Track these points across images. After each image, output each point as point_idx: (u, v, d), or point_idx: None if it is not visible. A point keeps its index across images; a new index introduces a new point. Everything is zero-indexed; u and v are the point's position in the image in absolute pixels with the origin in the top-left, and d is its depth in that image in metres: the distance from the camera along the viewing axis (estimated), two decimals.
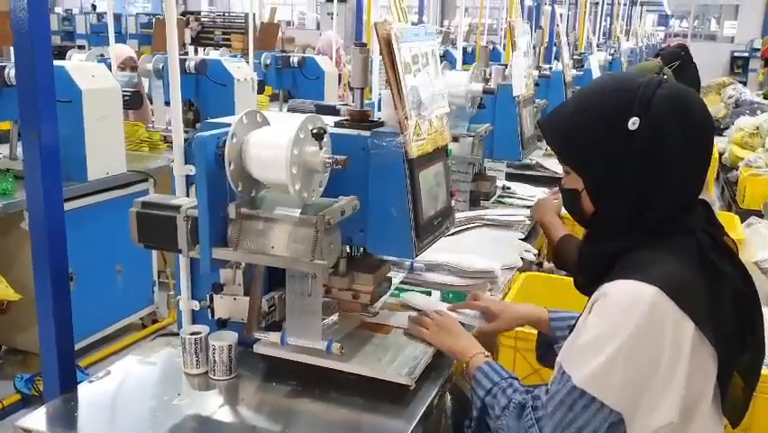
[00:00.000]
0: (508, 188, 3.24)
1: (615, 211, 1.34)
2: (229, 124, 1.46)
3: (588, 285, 1.41)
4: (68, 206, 1.67)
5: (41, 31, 1.57)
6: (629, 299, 1.23)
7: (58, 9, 16.42)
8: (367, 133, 1.56)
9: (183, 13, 14.65)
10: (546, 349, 1.76)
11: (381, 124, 1.60)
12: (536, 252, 2.62)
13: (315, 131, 1.40)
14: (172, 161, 1.64)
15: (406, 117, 1.51)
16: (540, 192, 3.28)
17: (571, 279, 1.52)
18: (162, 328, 3.81)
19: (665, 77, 5.29)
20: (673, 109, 1.28)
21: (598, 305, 1.27)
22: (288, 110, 2.04)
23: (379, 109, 1.81)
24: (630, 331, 1.20)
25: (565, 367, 1.28)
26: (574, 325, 1.47)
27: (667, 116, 1.27)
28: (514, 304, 1.93)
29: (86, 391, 1.56)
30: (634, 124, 1.28)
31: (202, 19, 14.54)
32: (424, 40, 1.62)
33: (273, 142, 1.42)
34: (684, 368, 1.20)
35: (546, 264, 3.06)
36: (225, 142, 1.42)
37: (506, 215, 2.77)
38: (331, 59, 6.21)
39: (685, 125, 1.28)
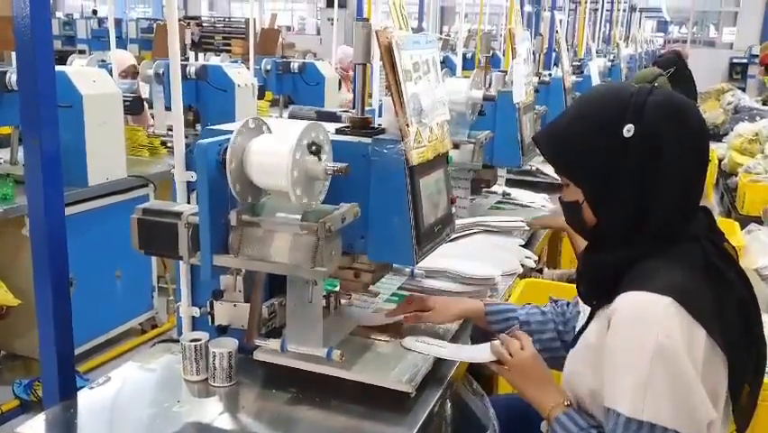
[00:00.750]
0: (508, 195, 3.24)
1: (615, 220, 1.35)
2: (230, 131, 1.46)
3: (591, 295, 1.41)
4: (68, 211, 1.67)
5: (43, 37, 1.57)
6: (643, 313, 1.23)
7: (59, 13, 16.44)
8: (368, 140, 1.56)
9: (183, 18, 14.67)
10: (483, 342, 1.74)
11: (382, 131, 1.61)
12: (536, 258, 2.62)
13: (312, 148, 1.40)
14: (173, 167, 1.65)
15: (407, 124, 1.52)
16: (540, 198, 3.29)
17: (572, 285, 1.52)
18: (162, 334, 3.81)
19: (658, 84, 5.27)
20: (666, 115, 1.29)
21: (615, 322, 1.27)
22: (289, 117, 2.05)
23: (380, 115, 1.82)
24: (653, 348, 1.20)
25: (608, 404, 1.26)
26: (578, 334, 1.47)
27: (660, 122, 1.28)
28: (450, 299, 1.90)
29: (86, 398, 1.56)
30: (629, 131, 1.29)
31: (203, 24, 14.55)
32: (424, 47, 1.63)
33: (274, 149, 1.42)
34: (699, 374, 1.21)
35: (546, 271, 3.06)
36: (227, 149, 1.42)
37: (505, 221, 2.77)
38: (347, 72, 6.22)
39: (679, 130, 1.29)
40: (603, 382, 1.31)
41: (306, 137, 1.42)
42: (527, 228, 2.74)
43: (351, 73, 6.25)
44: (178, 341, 1.67)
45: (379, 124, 1.64)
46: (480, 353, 1.63)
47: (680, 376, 1.20)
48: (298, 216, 1.44)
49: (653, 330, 1.20)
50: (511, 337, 1.57)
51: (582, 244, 2.29)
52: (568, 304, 1.80)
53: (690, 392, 1.20)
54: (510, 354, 1.54)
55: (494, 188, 3.25)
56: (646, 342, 1.20)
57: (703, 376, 1.21)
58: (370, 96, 3.04)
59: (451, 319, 1.82)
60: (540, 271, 2.96)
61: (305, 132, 1.42)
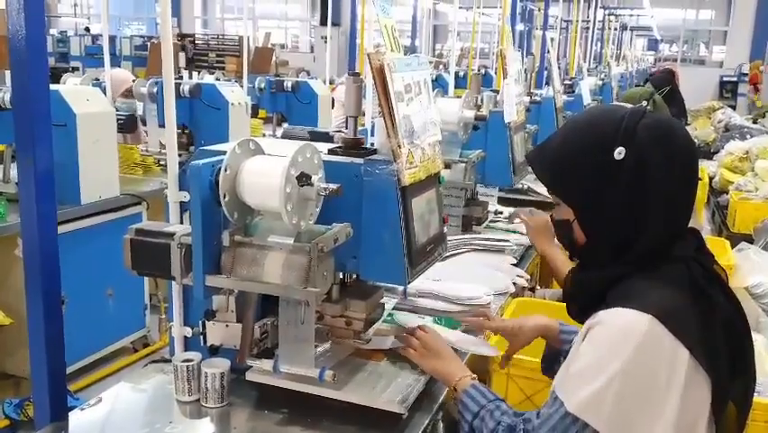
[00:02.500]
0: (500, 213, 3.26)
1: (604, 239, 1.36)
2: (224, 152, 1.47)
3: (580, 313, 1.42)
4: (60, 229, 1.67)
5: (38, 56, 1.58)
6: (624, 327, 1.23)
7: (53, 30, 16.49)
8: (360, 161, 1.57)
9: (177, 36, 14.72)
10: (551, 362, 1.77)
11: (374, 151, 1.62)
12: (528, 277, 2.63)
13: (302, 181, 1.41)
14: (165, 186, 1.65)
15: (399, 146, 1.53)
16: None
17: (564, 304, 1.53)
18: (153, 353, 3.79)
19: (654, 102, 5.31)
20: (657, 138, 1.31)
21: (592, 332, 1.28)
22: (283, 136, 2.06)
23: (373, 135, 1.83)
24: (625, 359, 1.21)
25: (558, 393, 1.28)
26: (568, 351, 1.48)
27: (651, 146, 1.30)
28: (523, 318, 1.90)
29: (78, 419, 1.55)
30: (620, 153, 1.30)
31: (196, 42, 14.60)
32: (416, 69, 1.65)
33: (267, 170, 1.43)
34: (678, 396, 1.21)
35: (539, 289, 3.07)
36: (220, 170, 1.43)
37: (497, 239, 2.79)
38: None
39: (669, 154, 1.30)
40: (562, 367, 1.33)
41: (300, 157, 1.43)
42: (516, 248, 2.75)
43: None
44: (170, 361, 1.67)
45: (372, 144, 1.65)
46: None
47: (639, 394, 1.20)
48: (291, 237, 1.44)
49: (629, 345, 1.21)
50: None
51: (562, 263, 2.30)
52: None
53: (643, 412, 1.21)
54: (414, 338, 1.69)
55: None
56: (619, 353, 1.21)
57: (684, 395, 1.21)
58: (363, 114, 3.06)
59: (533, 340, 1.84)
60: (533, 289, 2.97)
61: (298, 152, 1.43)
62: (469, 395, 1.50)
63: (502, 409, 1.44)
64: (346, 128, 1.67)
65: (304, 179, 1.42)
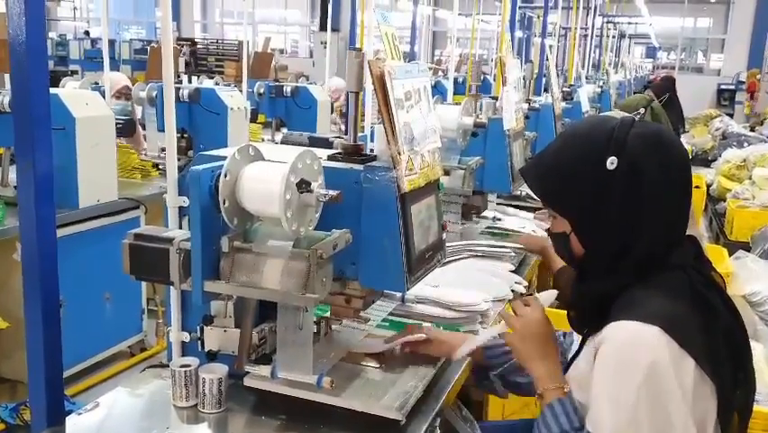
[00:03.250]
0: (499, 219, 3.26)
1: (601, 250, 1.37)
2: (224, 157, 1.47)
3: (581, 324, 1.43)
4: (58, 233, 1.67)
5: (38, 61, 1.58)
6: (631, 342, 1.24)
7: (52, 34, 16.49)
8: (360, 168, 1.58)
9: (177, 40, 14.75)
10: (484, 375, 1.80)
11: (374, 158, 1.62)
12: (527, 284, 2.63)
13: (302, 187, 1.41)
14: (164, 190, 1.65)
15: (399, 153, 1.53)
16: (530, 223, 3.31)
17: (562, 312, 1.53)
18: (150, 357, 3.78)
19: (652, 109, 5.31)
20: (648, 146, 1.32)
21: (601, 353, 1.28)
22: (282, 142, 2.07)
23: (372, 141, 1.83)
24: (640, 379, 1.21)
25: (590, 428, 1.28)
26: (570, 362, 1.48)
27: (643, 154, 1.31)
28: (449, 333, 1.88)
29: (75, 424, 1.55)
30: (612, 163, 1.31)
31: (196, 46, 14.62)
32: (416, 76, 1.65)
33: (267, 176, 1.43)
34: (690, 405, 1.21)
35: (537, 295, 3.06)
36: (220, 175, 1.43)
37: (496, 246, 2.79)
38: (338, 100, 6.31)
39: (661, 162, 1.31)
40: (589, 401, 1.31)
41: (299, 163, 1.44)
42: (515, 254, 2.76)
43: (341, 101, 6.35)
44: (167, 366, 1.66)
45: (371, 150, 1.65)
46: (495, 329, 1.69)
47: (664, 407, 1.21)
48: (290, 243, 1.44)
49: (641, 360, 1.21)
50: (521, 301, 1.55)
51: (559, 264, 2.31)
52: (564, 335, 1.81)
53: (671, 426, 1.21)
54: (516, 315, 1.51)
55: (484, 213, 3.27)
56: (634, 372, 1.21)
57: (692, 405, 1.21)
58: (363, 117, 3.07)
59: (448, 353, 1.81)
60: (530, 296, 2.97)
61: (297, 159, 1.43)
62: (553, 412, 1.38)
63: None
64: (345, 134, 1.67)
65: (304, 186, 1.42)
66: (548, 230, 1.50)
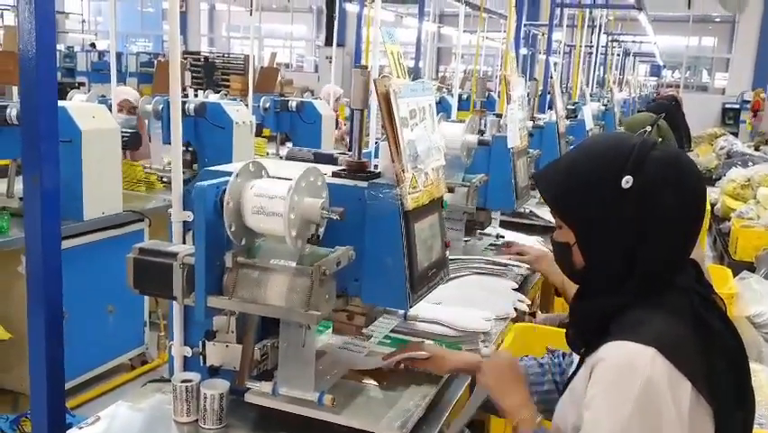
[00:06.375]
0: (502, 237, 3.26)
1: (603, 266, 1.36)
2: (229, 173, 1.48)
3: (579, 343, 1.42)
4: (63, 244, 1.68)
5: (47, 77, 1.60)
6: (628, 363, 1.23)
7: (60, 46, 16.63)
8: (364, 184, 1.58)
9: (183, 53, 14.87)
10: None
11: (378, 174, 1.63)
12: (530, 302, 2.63)
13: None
14: (168, 203, 1.65)
15: (403, 170, 1.54)
16: (533, 241, 3.31)
17: (562, 330, 1.53)
18: (151, 370, 3.78)
19: (659, 127, 5.29)
20: (666, 171, 1.31)
21: (597, 371, 1.27)
22: (287, 158, 2.07)
23: (377, 157, 1.84)
24: (634, 400, 1.20)
25: None
26: (568, 381, 1.47)
27: (659, 177, 1.30)
28: (448, 351, 1.88)
29: None
30: (627, 182, 1.31)
31: (201, 59, 14.73)
32: (421, 95, 1.66)
33: (271, 193, 1.44)
34: (686, 427, 1.21)
35: (540, 314, 3.06)
36: (225, 191, 1.44)
37: (499, 263, 2.79)
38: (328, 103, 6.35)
39: (677, 187, 1.31)
40: (582, 418, 1.30)
41: (303, 181, 1.44)
42: (518, 272, 2.75)
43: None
44: (169, 381, 1.66)
45: (376, 166, 1.66)
46: None
47: (657, 427, 1.20)
48: (293, 259, 1.45)
49: (637, 381, 1.21)
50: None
51: (569, 287, 2.30)
52: (564, 355, 1.80)
53: None
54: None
55: (488, 230, 3.27)
56: (629, 392, 1.21)
57: (688, 427, 1.21)
58: (368, 134, 3.08)
59: (447, 371, 1.80)
60: (533, 314, 2.96)
61: (302, 176, 1.44)
62: None
63: None
64: (350, 150, 1.68)
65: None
66: (551, 238, 1.49)
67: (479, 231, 3.16)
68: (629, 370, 1.22)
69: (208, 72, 13.52)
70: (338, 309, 1.65)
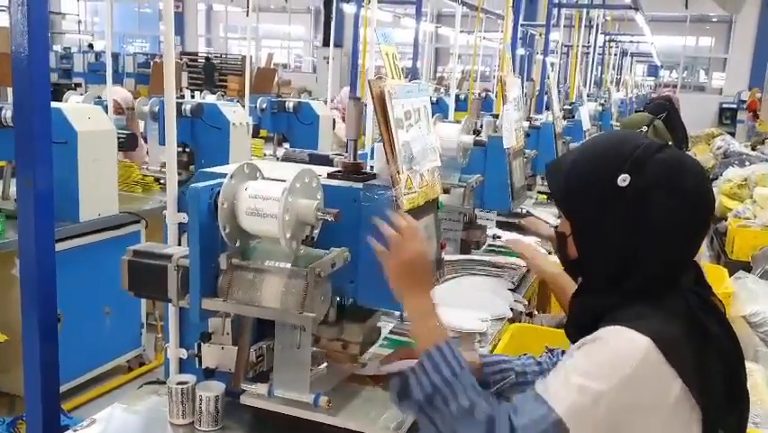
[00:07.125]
0: (498, 237, 3.26)
1: (601, 265, 1.36)
2: (224, 175, 1.48)
3: (576, 337, 1.42)
4: (58, 246, 1.67)
5: (40, 77, 1.60)
6: (623, 344, 1.23)
7: (56, 47, 16.61)
8: (359, 186, 1.58)
9: (180, 54, 14.85)
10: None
11: (374, 176, 1.63)
12: (527, 302, 2.63)
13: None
14: (164, 205, 1.65)
15: (398, 172, 1.54)
16: (530, 240, 3.30)
17: (560, 331, 1.53)
18: (148, 372, 3.77)
19: (655, 127, 5.26)
20: (665, 175, 1.31)
21: (591, 346, 1.27)
22: (283, 159, 2.07)
23: (372, 158, 1.84)
24: (620, 376, 1.20)
25: (547, 397, 1.24)
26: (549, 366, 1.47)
27: (657, 180, 1.30)
28: None
29: None
30: (624, 180, 1.31)
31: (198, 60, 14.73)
32: (417, 96, 1.66)
33: (266, 194, 1.44)
34: (664, 421, 1.21)
35: (537, 315, 3.06)
36: (219, 193, 1.44)
37: (496, 264, 2.79)
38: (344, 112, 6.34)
39: (675, 192, 1.30)
40: (552, 375, 1.28)
41: (298, 182, 1.44)
42: (515, 273, 2.75)
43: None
44: (164, 383, 1.66)
45: (371, 167, 1.66)
46: None
47: (627, 413, 1.20)
48: (288, 261, 1.44)
49: (627, 363, 1.21)
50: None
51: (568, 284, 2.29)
52: (563, 353, 1.80)
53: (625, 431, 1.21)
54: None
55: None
56: (616, 369, 1.20)
57: (665, 423, 1.21)
58: (364, 133, 3.08)
59: None
60: (530, 315, 2.96)
61: (297, 178, 1.43)
62: (443, 355, 1.29)
63: (477, 390, 1.28)
64: (346, 151, 1.68)
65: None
66: (555, 228, 1.51)
67: (474, 250, 3.11)
68: (623, 354, 1.22)
69: (208, 72, 13.54)
70: (332, 339, 1.65)
